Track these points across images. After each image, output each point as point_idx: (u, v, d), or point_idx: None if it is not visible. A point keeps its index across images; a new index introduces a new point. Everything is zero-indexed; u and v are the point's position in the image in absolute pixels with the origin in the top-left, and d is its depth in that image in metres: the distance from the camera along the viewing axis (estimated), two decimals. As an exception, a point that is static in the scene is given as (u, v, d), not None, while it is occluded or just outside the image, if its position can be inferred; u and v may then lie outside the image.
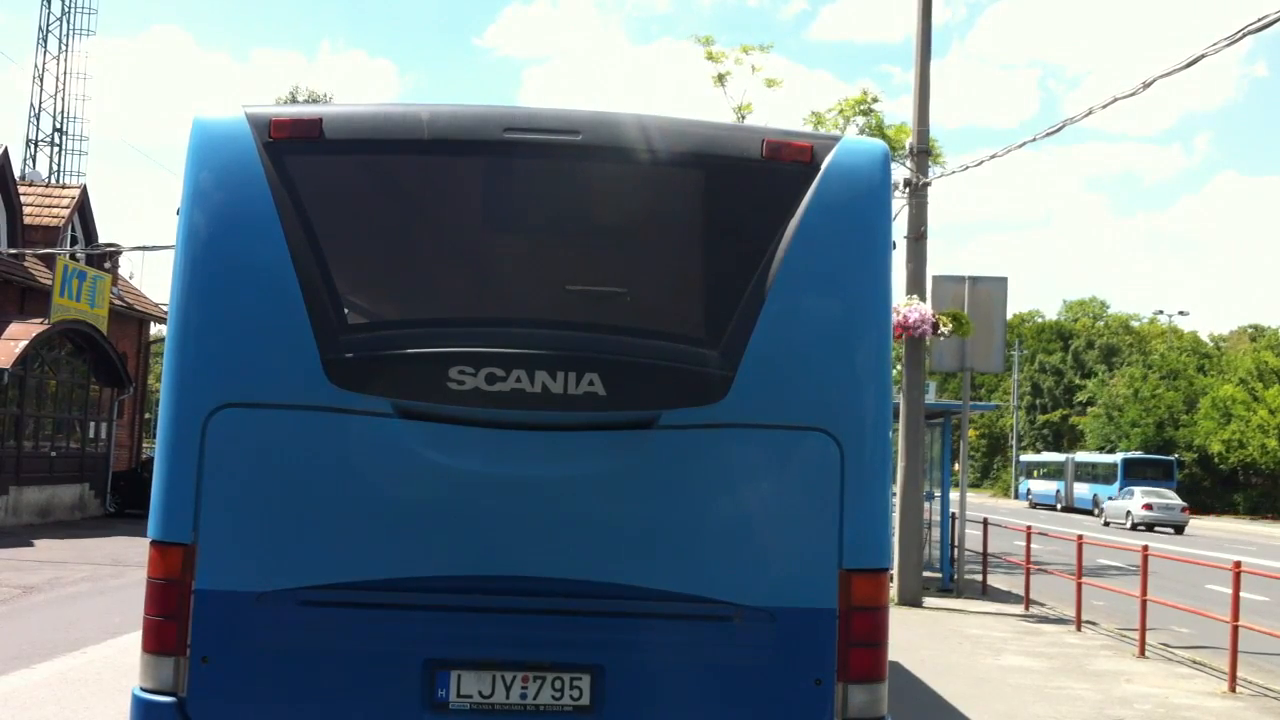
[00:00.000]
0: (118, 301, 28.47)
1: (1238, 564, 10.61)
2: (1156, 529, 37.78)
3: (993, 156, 13.76)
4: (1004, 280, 16.35)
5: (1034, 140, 12.61)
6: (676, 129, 4.21)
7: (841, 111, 21.67)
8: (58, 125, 44.77)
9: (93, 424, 26.35)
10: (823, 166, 4.15)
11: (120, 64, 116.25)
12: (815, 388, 4.07)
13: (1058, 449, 66.22)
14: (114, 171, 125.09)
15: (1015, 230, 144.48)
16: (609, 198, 4.29)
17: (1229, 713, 9.10)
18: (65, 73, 44.90)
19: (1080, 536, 14.38)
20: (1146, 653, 11.69)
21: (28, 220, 26.34)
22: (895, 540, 14.00)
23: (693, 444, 3.99)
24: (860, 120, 21.50)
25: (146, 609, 3.99)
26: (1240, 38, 8.26)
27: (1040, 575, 16.18)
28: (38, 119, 44.74)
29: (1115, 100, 10.23)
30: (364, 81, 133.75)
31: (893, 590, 12.53)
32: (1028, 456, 64.45)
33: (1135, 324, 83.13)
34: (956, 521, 16.62)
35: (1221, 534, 37.98)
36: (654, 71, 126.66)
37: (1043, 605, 15.26)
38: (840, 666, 4.03)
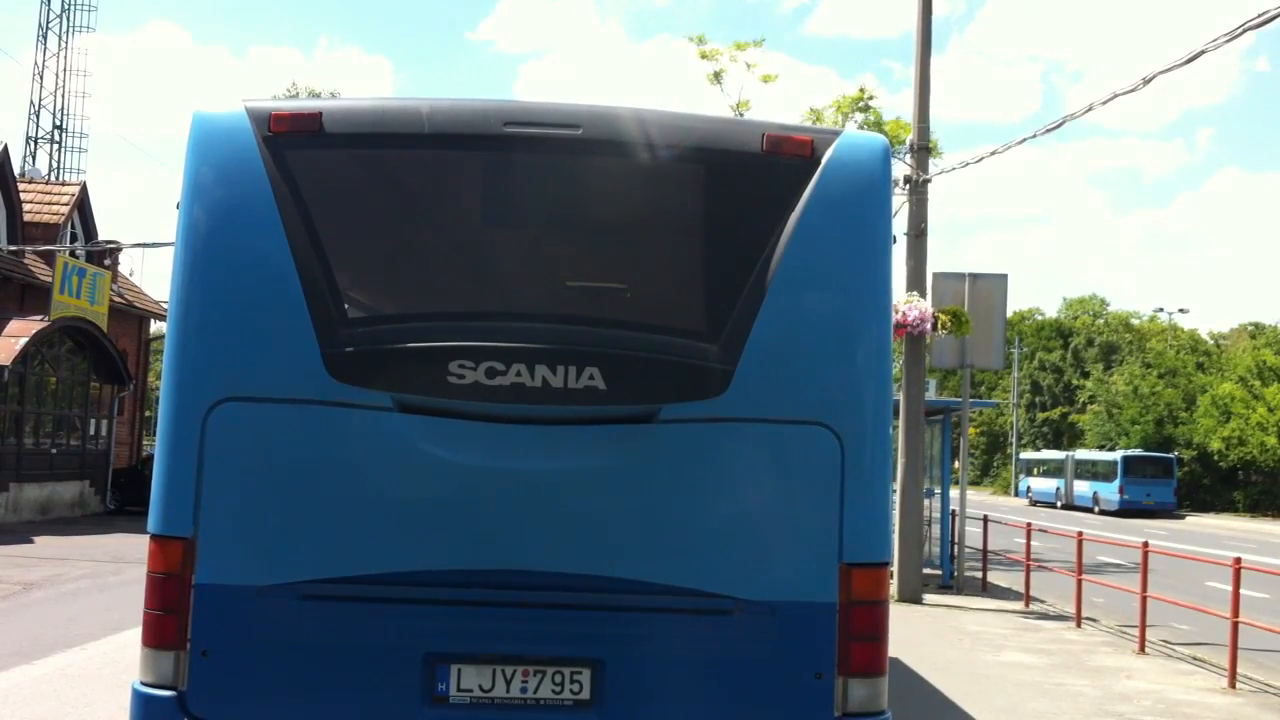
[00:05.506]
0: (118, 299, 28.48)
1: (1238, 560, 10.62)
2: None
3: (993, 153, 13.79)
4: (1004, 277, 16.37)
5: (1034, 136, 12.63)
6: (676, 123, 4.21)
7: (839, 108, 21.69)
8: (57, 122, 44.79)
9: (93, 421, 26.36)
10: (823, 161, 4.14)
11: (118, 60, 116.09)
12: (816, 382, 4.07)
13: (1058, 447, 66.14)
14: (113, 168, 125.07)
15: (1015, 227, 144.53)
16: (609, 192, 4.29)
17: (1229, 709, 9.11)
18: (65, 70, 44.92)
19: (1080, 533, 14.39)
20: (1146, 649, 11.70)
21: (27, 217, 26.35)
22: (895, 537, 14.01)
23: (693, 438, 3.99)
24: (859, 117, 21.51)
25: (146, 603, 3.99)
26: (1241, 33, 8.26)
27: (1040, 572, 16.18)
28: (37, 116, 44.75)
29: (1116, 96, 10.23)
30: (359, 78, 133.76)
31: (893, 587, 12.53)
32: (1028, 454, 64.34)
33: (1135, 321, 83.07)
34: (956, 518, 16.63)
35: (1221, 531, 37.98)
36: (652, 68, 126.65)
37: (1043, 602, 15.27)
38: (840, 661, 4.03)
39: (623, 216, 4.35)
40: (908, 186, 15.24)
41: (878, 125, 21.15)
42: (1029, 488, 57.74)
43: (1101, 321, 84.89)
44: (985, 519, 17.58)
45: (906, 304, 14.35)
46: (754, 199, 4.19)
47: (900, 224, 15.15)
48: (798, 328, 4.07)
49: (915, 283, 15.11)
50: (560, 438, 3.96)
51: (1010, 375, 70.62)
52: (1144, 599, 11.80)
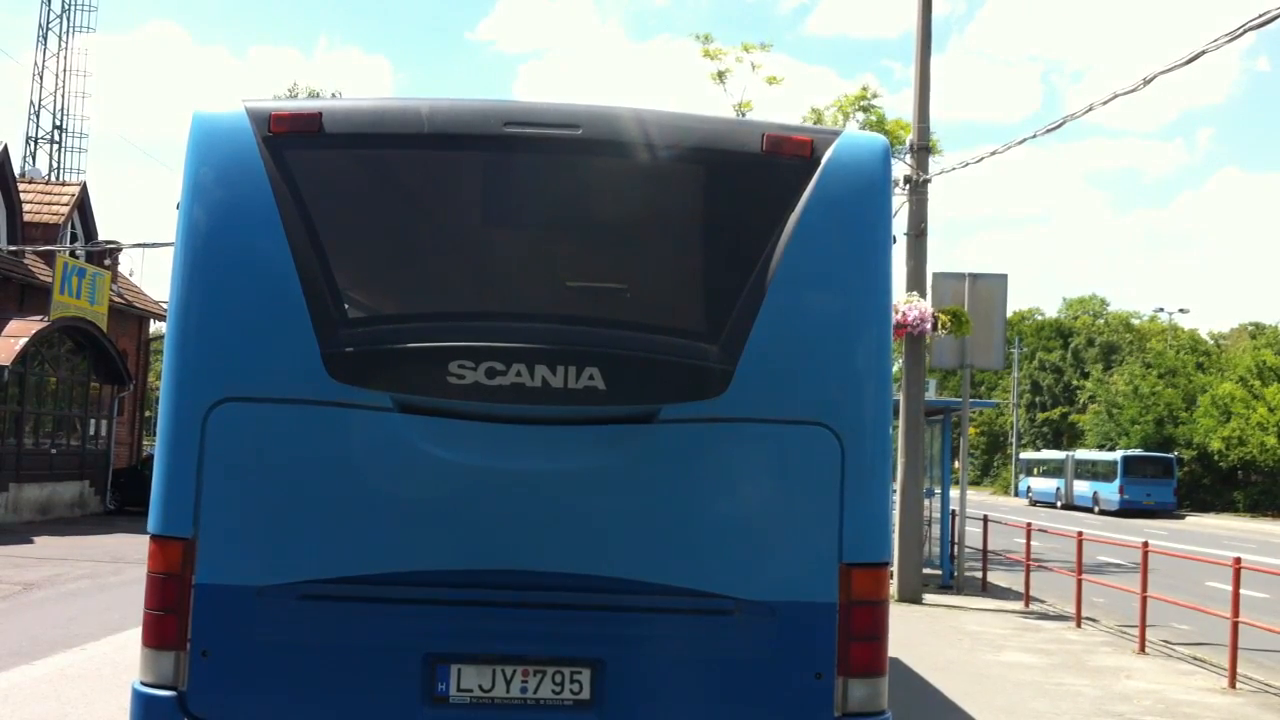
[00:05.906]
0: (117, 299, 28.47)
1: (1238, 560, 10.62)
2: None
3: (993, 153, 13.79)
4: (1004, 277, 16.39)
5: (1034, 136, 12.62)
6: (676, 124, 4.21)
7: (841, 108, 21.70)
8: (57, 123, 44.78)
9: (93, 421, 26.36)
10: (823, 161, 4.14)
11: (118, 60, 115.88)
12: (815, 382, 4.07)
13: (1058, 447, 66.14)
14: (113, 168, 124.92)
15: (1015, 227, 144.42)
16: (609, 192, 4.29)
17: (1229, 709, 9.11)
18: (65, 70, 44.92)
19: (1080, 533, 14.39)
20: (1146, 649, 11.69)
21: (27, 218, 26.34)
22: (895, 537, 14.01)
23: (693, 438, 3.99)
24: (860, 116, 21.52)
25: (147, 603, 3.99)
26: (1241, 33, 8.26)
27: (1040, 572, 16.18)
28: (37, 116, 44.75)
29: (1116, 96, 10.24)
30: (359, 78, 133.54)
31: (893, 587, 12.53)
32: (1028, 454, 64.33)
33: (1135, 321, 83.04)
34: (956, 518, 16.64)
35: (1221, 531, 37.98)
36: (653, 68, 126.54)
37: (1042, 602, 15.27)
38: (840, 661, 4.03)
39: (623, 216, 4.35)
40: (908, 186, 15.24)
41: (879, 125, 21.15)
42: (1029, 488, 57.72)
43: (1101, 321, 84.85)
44: (985, 519, 17.59)
45: (906, 304, 14.35)
46: (754, 199, 4.19)
47: (900, 224, 15.15)
48: (798, 328, 4.07)
49: (915, 283, 15.11)
50: (560, 438, 3.96)
51: (1010, 375, 70.61)
52: (1144, 599, 11.80)
